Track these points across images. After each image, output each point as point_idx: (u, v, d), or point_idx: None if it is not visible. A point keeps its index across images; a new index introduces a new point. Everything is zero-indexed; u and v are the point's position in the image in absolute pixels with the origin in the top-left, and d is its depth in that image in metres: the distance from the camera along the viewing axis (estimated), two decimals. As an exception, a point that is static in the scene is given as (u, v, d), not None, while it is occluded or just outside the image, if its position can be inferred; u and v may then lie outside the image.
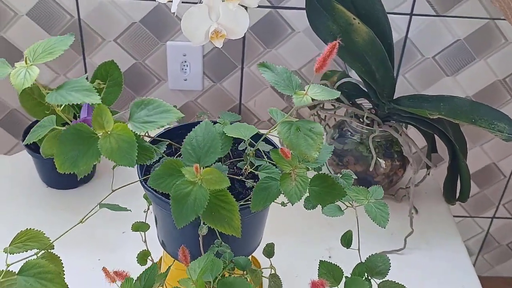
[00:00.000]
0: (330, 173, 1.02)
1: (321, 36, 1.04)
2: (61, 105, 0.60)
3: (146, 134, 0.76)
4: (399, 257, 1.08)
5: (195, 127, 0.64)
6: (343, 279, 0.74)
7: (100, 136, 0.59)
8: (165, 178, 0.63)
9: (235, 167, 0.79)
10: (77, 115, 1.00)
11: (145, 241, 0.87)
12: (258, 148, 0.77)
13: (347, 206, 0.73)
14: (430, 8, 1.32)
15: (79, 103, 1.01)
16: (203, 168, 0.60)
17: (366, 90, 1.13)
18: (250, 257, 0.90)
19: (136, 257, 0.85)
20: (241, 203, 0.71)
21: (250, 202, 0.68)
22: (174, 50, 1.36)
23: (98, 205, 0.74)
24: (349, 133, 1.15)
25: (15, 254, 0.66)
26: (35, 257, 0.66)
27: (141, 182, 0.74)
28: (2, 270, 0.64)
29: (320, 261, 0.75)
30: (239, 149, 0.79)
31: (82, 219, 0.73)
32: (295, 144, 0.61)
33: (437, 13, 1.32)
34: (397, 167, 1.15)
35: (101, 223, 1.08)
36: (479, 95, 1.44)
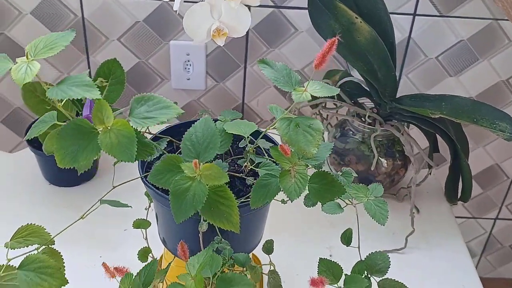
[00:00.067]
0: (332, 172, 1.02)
1: (323, 35, 1.05)
2: (62, 100, 0.61)
3: (147, 131, 0.77)
4: (400, 256, 1.08)
5: (195, 123, 0.65)
6: (343, 277, 0.74)
7: (100, 131, 0.59)
8: (165, 174, 0.64)
9: (236, 165, 0.80)
10: (80, 112, 1.01)
11: (146, 238, 0.88)
12: (259, 146, 0.77)
13: (347, 204, 0.73)
14: (434, 8, 1.32)
15: (81, 101, 1.02)
16: (202, 163, 0.61)
17: (368, 89, 1.13)
18: (251, 254, 0.91)
19: (137, 254, 0.85)
20: (242, 200, 0.71)
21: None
22: (177, 49, 1.37)
23: (99, 201, 0.75)
24: (351, 132, 1.15)
25: (16, 249, 0.67)
26: (35, 252, 0.67)
27: (142, 179, 0.75)
28: (3, 264, 0.64)
29: (320, 258, 0.75)
30: (239, 146, 0.79)
31: (83, 215, 0.73)
32: (294, 140, 0.61)
33: (441, 14, 1.32)
34: (399, 167, 1.15)
35: (103, 221, 1.09)
36: (482, 96, 1.44)
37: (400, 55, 1.38)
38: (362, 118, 1.12)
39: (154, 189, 0.71)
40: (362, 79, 1.12)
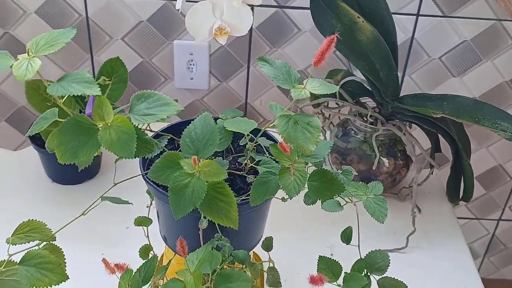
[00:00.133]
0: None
1: (325, 35, 1.05)
2: (63, 97, 0.61)
3: (148, 129, 0.77)
4: (401, 255, 1.08)
5: (194, 120, 0.65)
6: (342, 275, 0.74)
7: (100, 128, 0.59)
8: (165, 170, 0.64)
9: (236, 163, 0.80)
10: (83, 111, 1.01)
11: (147, 236, 0.88)
12: (260, 144, 0.78)
13: (346, 202, 0.73)
14: (437, 8, 1.31)
15: (84, 99, 1.03)
16: (202, 160, 0.61)
17: (370, 89, 1.13)
18: (252, 252, 0.91)
19: (138, 251, 0.85)
20: (243, 197, 0.72)
21: (250, 197, 0.68)
22: (180, 49, 1.37)
23: (100, 198, 0.75)
24: (353, 131, 1.16)
25: (17, 245, 0.67)
26: (37, 248, 0.67)
27: (143, 176, 0.75)
28: (4, 259, 0.65)
29: (320, 256, 0.75)
30: (240, 144, 0.79)
31: (84, 211, 0.73)
32: (293, 137, 0.61)
33: (444, 14, 1.32)
34: (400, 166, 1.15)
35: (105, 218, 1.09)
36: (485, 96, 1.44)
37: (403, 56, 1.38)
38: (364, 118, 1.13)
39: (155, 186, 0.71)
40: (364, 78, 1.12)
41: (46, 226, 0.69)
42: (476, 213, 1.69)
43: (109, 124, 0.59)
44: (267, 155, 0.74)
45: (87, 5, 1.31)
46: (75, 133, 0.59)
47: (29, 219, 0.68)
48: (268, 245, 0.78)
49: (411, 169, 1.19)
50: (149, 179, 0.67)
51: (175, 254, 0.82)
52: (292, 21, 1.33)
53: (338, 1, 1.00)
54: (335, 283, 0.74)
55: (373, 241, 1.08)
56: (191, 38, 1.33)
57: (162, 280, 0.81)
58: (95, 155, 0.62)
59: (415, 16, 1.33)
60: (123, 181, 0.77)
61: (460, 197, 1.19)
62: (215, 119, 0.78)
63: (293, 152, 0.65)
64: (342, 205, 0.73)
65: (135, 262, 0.75)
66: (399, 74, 1.40)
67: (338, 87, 0.64)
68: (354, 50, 1.03)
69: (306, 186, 0.68)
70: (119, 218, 1.08)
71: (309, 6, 1.05)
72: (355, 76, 1.16)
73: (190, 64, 1.39)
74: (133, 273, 0.69)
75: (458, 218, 1.68)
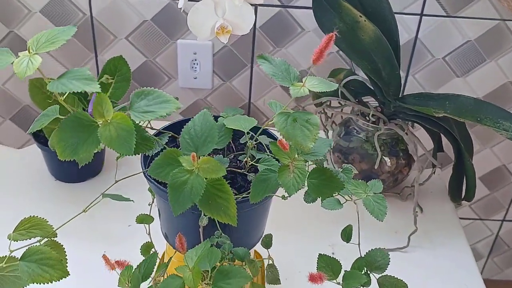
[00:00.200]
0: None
1: (328, 34, 1.05)
2: (64, 94, 0.62)
3: (149, 126, 0.77)
4: (403, 255, 1.08)
5: (194, 117, 0.65)
6: (342, 273, 0.74)
7: (100, 125, 0.60)
8: (165, 167, 0.64)
9: (238, 161, 0.80)
10: (86, 109, 1.02)
11: (149, 234, 0.88)
12: (261, 142, 0.78)
13: (346, 200, 0.73)
14: (441, 8, 1.31)
15: (87, 97, 1.03)
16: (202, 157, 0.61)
17: (372, 88, 1.13)
18: (253, 251, 0.91)
19: (140, 249, 0.86)
20: (244, 195, 0.72)
21: (251, 194, 0.68)
22: (184, 48, 1.37)
23: (101, 195, 0.75)
24: (355, 131, 1.16)
25: (18, 241, 0.67)
26: (38, 244, 0.68)
27: (144, 174, 0.76)
28: (5, 255, 0.65)
29: (319, 254, 0.76)
30: (241, 142, 0.80)
31: (85, 208, 0.74)
32: (291, 135, 0.62)
33: (448, 14, 1.32)
34: (402, 166, 1.15)
35: (108, 217, 1.10)
36: (489, 97, 1.44)
37: (407, 56, 1.38)
38: (366, 117, 1.13)
39: (155, 183, 0.72)
40: (367, 77, 1.12)
41: (47, 223, 0.70)
42: (480, 213, 1.68)
43: (108, 121, 0.59)
44: (268, 153, 0.75)
45: (92, 4, 1.32)
46: (75, 130, 0.59)
47: (30, 216, 0.69)
48: (267, 243, 0.78)
49: (413, 169, 1.19)
50: (150, 176, 0.68)
51: (175, 252, 0.82)
52: (295, 20, 1.33)
53: (340, 1, 1.00)
54: (334, 281, 0.74)
55: (375, 240, 1.08)
56: (195, 38, 1.33)
57: (162, 277, 0.81)
58: (95, 152, 0.62)
59: (419, 16, 1.33)
60: (123, 178, 0.77)
61: (463, 197, 1.18)
62: (216, 117, 0.79)
63: (293, 149, 0.66)
64: (342, 203, 0.73)
65: (137, 260, 0.76)
66: (403, 74, 1.40)
67: (338, 85, 0.65)
68: (356, 49, 1.03)
69: (306, 184, 0.68)
70: (121, 216, 1.08)
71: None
72: (358, 75, 1.16)
73: (194, 64, 1.39)
74: (133, 270, 0.69)
75: (462, 218, 1.68)
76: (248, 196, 0.70)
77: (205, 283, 0.65)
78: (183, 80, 1.42)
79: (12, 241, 0.67)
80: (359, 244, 0.77)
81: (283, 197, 0.75)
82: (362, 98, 1.16)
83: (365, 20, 1.00)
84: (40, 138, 1.15)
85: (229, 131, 0.72)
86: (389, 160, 1.12)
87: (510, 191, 1.63)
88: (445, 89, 1.43)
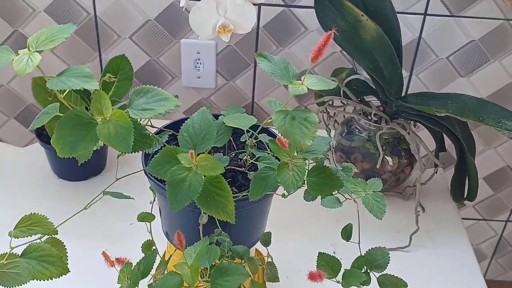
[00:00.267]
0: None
1: (330, 33, 1.05)
2: (64, 91, 0.62)
3: (150, 124, 0.78)
4: (405, 254, 1.08)
5: (193, 115, 0.66)
6: (342, 271, 0.74)
7: (99, 122, 0.60)
8: (164, 165, 0.65)
9: (238, 159, 0.80)
10: (89, 108, 1.02)
11: (150, 232, 0.89)
12: (261, 141, 0.78)
13: (346, 198, 0.73)
14: (444, 8, 1.31)
15: (90, 96, 1.04)
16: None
17: (374, 87, 1.13)
18: (254, 249, 0.92)
19: (141, 247, 0.86)
20: (244, 193, 0.72)
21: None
22: (188, 47, 1.38)
23: (102, 193, 0.76)
24: (357, 130, 1.16)
25: (19, 238, 0.68)
26: (38, 241, 0.68)
27: (144, 172, 0.76)
28: (6, 252, 0.66)
29: (319, 253, 0.76)
30: (242, 141, 0.80)
31: (86, 205, 0.74)
32: (290, 133, 0.62)
33: (451, 13, 1.32)
34: (404, 165, 1.15)
35: (110, 215, 1.10)
36: (493, 97, 1.43)
37: (410, 55, 1.38)
38: (368, 116, 1.13)
39: (155, 181, 0.72)
40: (369, 77, 1.12)
41: (48, 220, 0.70)
42: (484, 214, 1.68)
43: (107, 119, 0.60)
44: (268, 152, 0.75)
45: (95, 3, 1.32)
46: (74, 128, 0.60)
47: (31, 213, 0.69)
48: (266, 241, 0.79)
49: (415, 168, 1.19)
50: (150, 174, 0.68)
51: (175, 250, 0.82)
52: (299, 20, 1.33)
53: (342, 0, 1.00)
54: (334, 279, 0.74)
55: (376, 239, 1.07)
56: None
57: (162, 275, 0.81)
58: (94, 149, 0.63)
59: (422, 16, 1.33)
60: (124, 176, 0.77)
61: (465, 197, 1.18)
62: (217, 115, 0.79)
63: (292, 147, 0.66)
64: (341, 201, 0.73)
65: (138, 258, 0.76)
66: (407, 74, 1.40)
67: (336, 83, 0.65)
68: (358, 48, 1.03)
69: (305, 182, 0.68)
70: (123, 215, 1.09)
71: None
72: (360, 74, 1.16)
73: (197, 63, 1.40)
74: (133, 267, 0.70)
75: (466, 219, 1.67)
76: (248, 195, 0.70)
77: (203, 281, 0.65)
78: (186, 80, 1.42)
79: (13, 238, 0.67)
80: (359, 243, 0.77)
81: (283, 196, 0.75)
82: (364, 97, 1.16)
83: (367, 19, 1.00)
84: (43, 136, 1.16)
85: (229, 129, 0.73)
86: (391, 160, 1.12)
87: (514, 191, 1.63)
88: (449, 89, 1.43)
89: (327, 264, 0.75)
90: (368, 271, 0.76)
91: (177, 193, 0.60)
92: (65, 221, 0.71)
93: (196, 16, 0.82)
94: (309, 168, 0.69)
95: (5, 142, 1.51)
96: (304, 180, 0.67)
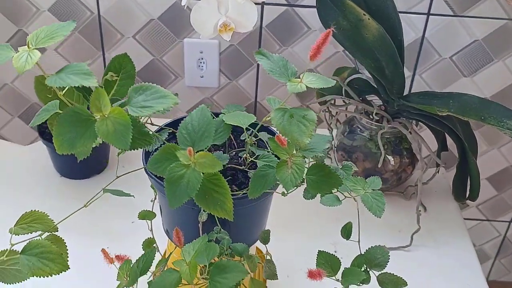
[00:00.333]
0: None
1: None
2: (64, 89, 0.63)
3: (150, 122, 0.78)
4: (406, 254, 1.08)
5: (191, 112, 0.66)
6: (342, 270, 0.74)
7: (97, 119, 0.60)
8: (163, 162, 0.65)
9: (239, 158, 0.81)
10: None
11: (151, 230, 0.89)
12: (261, 139, 0.78)
13: (346, 197, 0.73)
14: (448, 8, 1.31)
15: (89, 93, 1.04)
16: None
17: (376, 87, 1.13)
18: (255, 247, 0.92)
19: (142, 245, 0.87)
20: (244, 191, 0.72)
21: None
22: (191, 47, 1.38)
23: (102, 191, 0.76)
24: (359, 129, 1.16)
25: (20, 235, 0.68)
26: (39, 238, 0.68)
27: (145, 169, 0.76)
28: (6, 249, 0.66)
29: (319, 251, 0.76)
30: (242, 139, 0.80)
31: (86, 203, 0.74)
32: (288, 131, 0.62)
33: (455, 13, 1.32)
34: (406, 164, 1.15)
35: (111, 213, 1.11)
36: (496, 96, 1.43)
37: (413, 55, 1.38)
38: (370, 116, 1.13)
39: (155, 178, 0.72)
40: (371, 76, 1.12)
41: (48, 217, 0.70)
42: (487, 214, 1.67)
43: (106, 116, 0.60)
44: (268, 150, 0.75)
45: (99, 3, 1.33)
46: (72, 124, 0.60)
47: (31, 210, 0.70)
48: (265, 238, 0.79)
49: (417, 168, 1.19)
50: (150, 172, 0.68)
51: (175, 247, 0.82)
52: (301, 19, 1.33)
53: (344, -1, 1.00)
54: (334, 278, 0.74)
55: (378, 238, 1.07)
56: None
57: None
58: (93, 146, 0.63)
59: (425, 15, 1.32)
60: (124, 174, 0.78)
61: (467, 196, 1.18)
62: (218, 114, 0.79)
63: (291, 145, 0.66)
64: (341, 200, 0.73)
65: (139, 256, 0.76)
66: (410, 74, 1.40)
67: (336, 81, 0.65)
68: (360, 47, 1.03)
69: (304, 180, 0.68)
70: (125, 213, 1.09)
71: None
72: (362, 74, 1.16)
73: (200, 62, 1.40)
74: (132, 264, 0.70)
75: (469, 219, 1.67)
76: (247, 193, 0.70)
77: (202, 278, 0.65)
78: (189, 79, 1.43)
79: (14, 235, 0.67)
80: (359, 241, 0.77)
81: (283, 194, 0.75)
82: (366, 96, 1.16)
83: (368, 19, 1.00)
84: (45, 135, 1.16)
85: (228, 127, 0.73)
86: (392, 159, 1.12)
87: (517, 192, 1.62)
88: (452, 88, 1.42)
89: (327, 263, 0.75)
90: (368, 269, 0.76)
91: (175, 190, 0.60)
92: (65, 218, 0.71)
93: (197, 15, 0.82)
94: (309, 166, 0.69)
95: (9, 140, 1.52)
96: (304, 178, 0.67)
